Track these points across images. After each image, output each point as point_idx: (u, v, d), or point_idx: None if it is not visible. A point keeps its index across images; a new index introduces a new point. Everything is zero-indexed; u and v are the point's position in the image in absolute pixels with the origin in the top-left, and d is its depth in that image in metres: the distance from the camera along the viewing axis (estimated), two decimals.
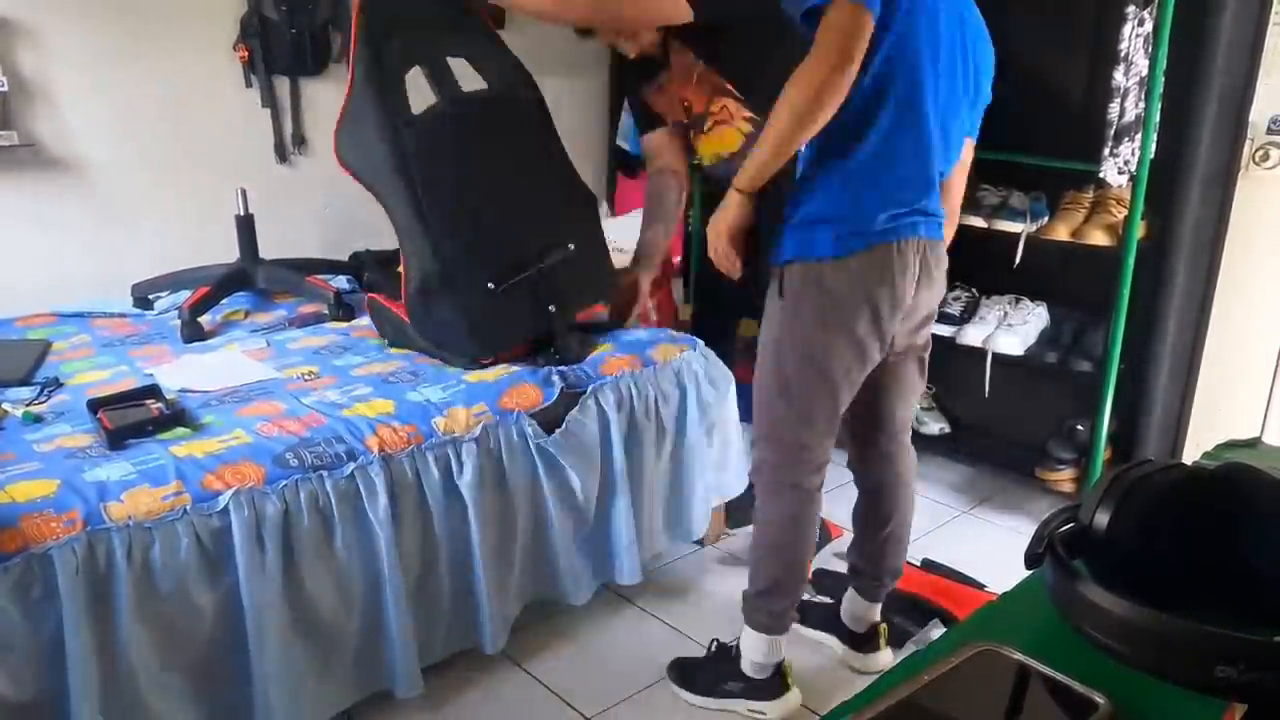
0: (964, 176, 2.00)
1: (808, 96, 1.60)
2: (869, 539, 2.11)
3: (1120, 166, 2.43)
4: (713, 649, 2.13)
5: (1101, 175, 2.44)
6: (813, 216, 1.75)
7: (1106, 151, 2.41)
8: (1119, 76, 2.35)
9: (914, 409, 2.09)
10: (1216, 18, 2.41)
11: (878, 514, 2.08)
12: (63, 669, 1.53)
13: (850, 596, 2.20)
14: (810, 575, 2.17)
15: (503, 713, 2.05)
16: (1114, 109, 2.38)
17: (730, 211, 1.79)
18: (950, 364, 3.04)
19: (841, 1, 1.58)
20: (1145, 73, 2.37)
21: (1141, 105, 2.39)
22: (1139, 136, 2.40)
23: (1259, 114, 2.54)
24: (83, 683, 1.53)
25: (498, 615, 2.08)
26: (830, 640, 2.25)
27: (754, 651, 2.01)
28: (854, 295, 1.74)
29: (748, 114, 2.15)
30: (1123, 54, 2.34)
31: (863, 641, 2.20)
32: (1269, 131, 2.56)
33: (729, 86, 2.16)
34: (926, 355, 1.99)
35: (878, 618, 2.19)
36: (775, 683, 2.03)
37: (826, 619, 2.25)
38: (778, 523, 1.93)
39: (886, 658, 2.20)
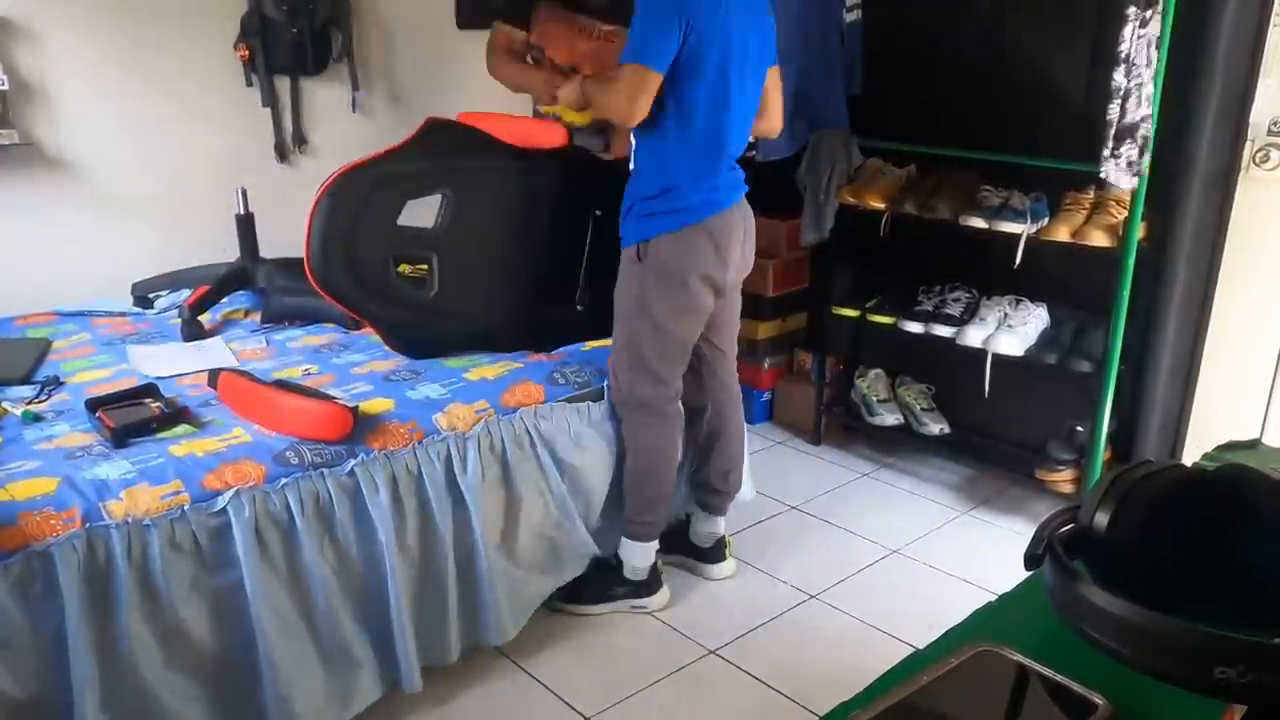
0: (778, 96, 2.30)
1: (597, 110, 2.16)
2: (720, 455, 2.42)
3: (1123, 167, 2.40)
4: (592, 565, 2.33)
5: (1102, 176, 2.42)
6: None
7: (1107, 153, 2.40)
8: (1119, 77, 2.34)
9: (737, 318, 2.41)
10: (1217, 18, 2.41)
11: (718, 433, 2.41)
12: (64, 666, 1.53)
13: (698, 516, 2.50)
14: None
15: (503, 713, 2.05)
16: (1114, 110, 2.38)
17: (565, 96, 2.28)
18: (950, 364, 3.04)
19: (629, 67, 1.95)
20: (1146, 74, 2.36)
21: (1142, 106, 2.38)
22: (1141, 137, 2.40)
23: (1259, 115, 2.54)
24: (84, 679, 1.53)
25: (503, 609, 2.08)
26: (684, 560, 2.53)
27: (634, 558, 2.31)
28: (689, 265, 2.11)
29: None
30: (1123, 55, 2.33)
31: (713, 555, 2.51)
32: (1269, 133, 2.56)
33: None
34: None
35: (722, 531, 2.50)
36: (652, 582, 2.36)
37: (676, 543, 2.51)
38: (654, 450, 2.24)
39: (731, 566, 2.53)
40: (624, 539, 2.32)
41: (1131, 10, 2.29)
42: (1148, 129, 2.38)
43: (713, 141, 2.09)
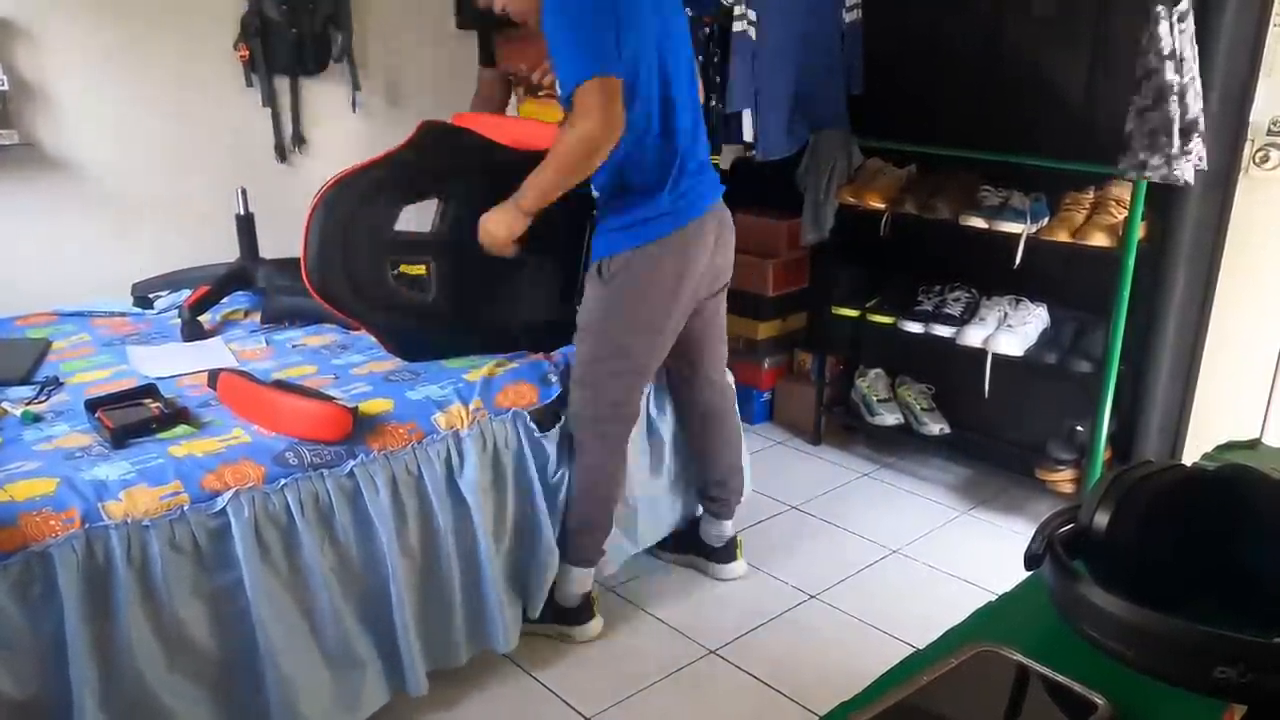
0: None
1: (580, 157, 1.89)
2: (713, 463, 2.41)
3: (1195, 163, 2.35)
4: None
5: (1178, 176, 2.34)
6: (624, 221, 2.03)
7: (1176, 151, 2.31)
8: (1170, 74, 2.28)
9: (724, 328, 2.38)
10: (1217, 18, 2.41)
11: (716, 437, 2.40)
12: (64, 667, 1.53)
13: (706, 519, 2.50)
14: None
15: (503, 713, 2.05)
16: (1174, 108, 2.29)
17: (514, 225, 2.04)
18: (950, 365, 3.04)
19: (589, 84, 1.82)
20: (1198, 68, 2.31)
21: (1199, 101, 2.32)
22: (1201, 131, 2.34)
23: (1259, 115, 2.54)
24: (84, 681, 1.53)
25: (508, 612, 2.09)
26: (694, 560, 2.54)
27: (567, 583, 2.23)
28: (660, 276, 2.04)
29: None
30: (1169, 51, 2.26)
31: (724, 555, 2.51)
32: (1269, 133, 2.56)
33: None
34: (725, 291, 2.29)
35: (730, 532, 2.51)
36: (583, 611, 2.27)
37: (687, 542, 2.54)
38: (595, 469, 2.17)
39: (742, 566, 2.53)
40: (561, 562, 2.20)
41: (1160, 9, 2.26)
42: (1201, 122, 2.36)
43: (667, 143, 2.01)
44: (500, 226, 2.03)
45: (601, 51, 1.83)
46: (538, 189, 1.97)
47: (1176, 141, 2.32)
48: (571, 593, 2.23)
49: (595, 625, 2.28)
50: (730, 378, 2.45)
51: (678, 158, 2.03)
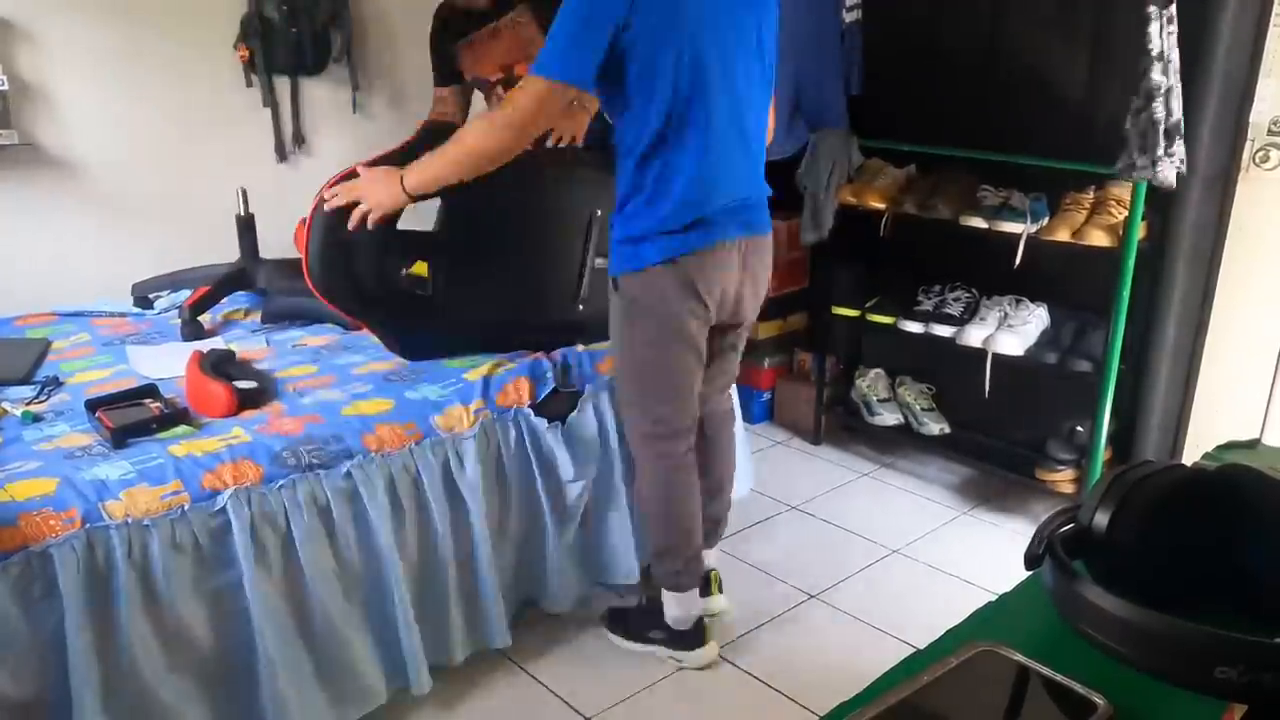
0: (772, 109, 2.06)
1: (483, 151, 1.80)
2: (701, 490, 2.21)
3: (1176, 164, 2.35)
4: (643, 601, 2.25)
5: (1160, 180, 2.34)
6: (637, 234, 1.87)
7: (1160, 153, 2.32)
8: (1158, 76, 2.28)
9: (735, 371, 2.24)
10: (1217, 18, 2.41)
11: (706, 466, 2.20)
12: (64, 667, 1.53)
13: None
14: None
15: (503, 713, 2.05)
16: (1159, 109, 2.30)
17: (395, 202, 1.93)
18: (950, 364, 3.04)
19: (534, 79, 1.71)
20: (1178, 71, 2.31)
21: (1181, 104, 2.33)
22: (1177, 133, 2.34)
23: (1259, 115, 2.54)
24: (84, 680, 1.53)
25: (506, 611, 2.09)
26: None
27: (670, 607, 2.15)
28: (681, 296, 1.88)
29: None
30: (1157, 53, 2.27)
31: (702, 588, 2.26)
32: (1269, 133, 2.56)
33: None
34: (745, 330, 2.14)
35: (709, 565, 2.27)
36: (695, 634, 2.16)
37: None
38: (656, 490, 2.07)
39: (721, 602, 2.27)
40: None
41: (1153, 9, 2.26)
42: (1182, 125, 2.36)
43: (698, 165, 1.80)
44: (386, 197, 1.92)
45: (577, 59, 1.69)
46: (424, 175, 1.87)
47: (1161, 143, 2.32)
48: (678, 616, 2.14)
49: (708, 652, 2.17)
50: (731, 404, 2.31)
51: (707, 186, 1.82)
